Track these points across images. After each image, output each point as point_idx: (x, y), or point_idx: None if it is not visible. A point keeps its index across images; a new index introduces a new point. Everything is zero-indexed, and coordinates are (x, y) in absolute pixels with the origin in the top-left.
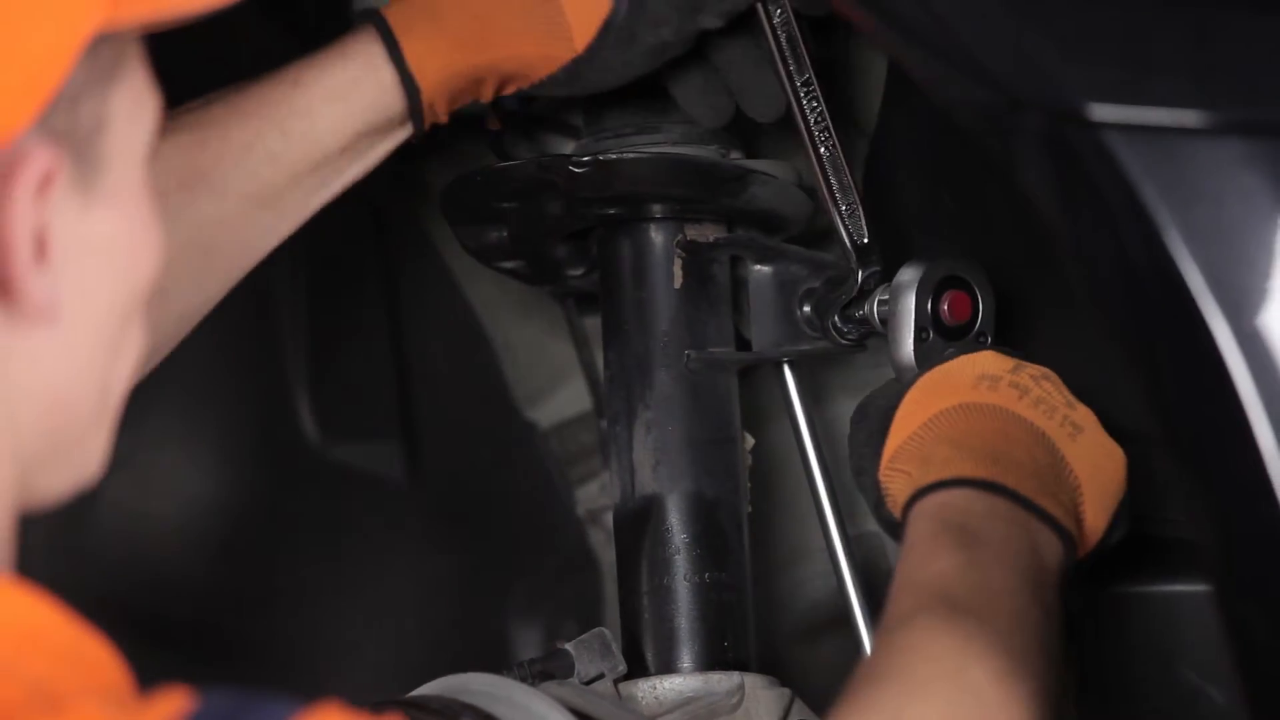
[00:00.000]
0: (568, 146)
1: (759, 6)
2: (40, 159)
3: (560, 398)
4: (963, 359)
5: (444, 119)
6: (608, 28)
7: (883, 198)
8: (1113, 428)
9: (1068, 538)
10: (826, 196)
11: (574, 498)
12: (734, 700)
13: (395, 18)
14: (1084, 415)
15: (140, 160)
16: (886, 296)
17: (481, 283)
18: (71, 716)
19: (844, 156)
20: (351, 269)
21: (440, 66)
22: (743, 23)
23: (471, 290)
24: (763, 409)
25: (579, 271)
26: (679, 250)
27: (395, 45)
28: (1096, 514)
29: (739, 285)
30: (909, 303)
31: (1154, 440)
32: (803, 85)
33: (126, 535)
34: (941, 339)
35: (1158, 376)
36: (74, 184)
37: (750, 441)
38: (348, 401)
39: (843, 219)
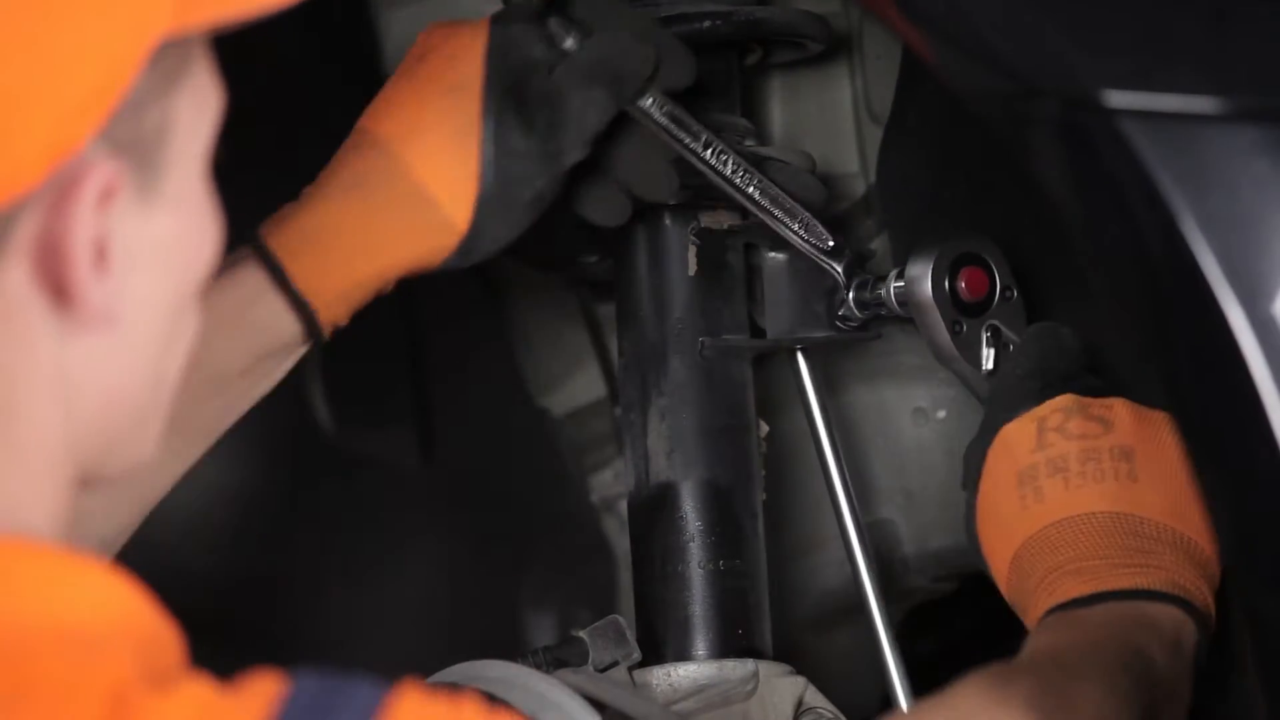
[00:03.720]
0: None
1: (631, 109)
2: (102, 172)
3: (574, 385)
4: (990, 462)
5: (345, 322)
6: (482, 203)
7: (896, 184)
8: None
9: (1204, 618)
10: (777, 226)
11: (588, 485)
12: (748, 688)
13: (277, 244)
14: (1120, 415)
15: (201, 160)
16: (901, 283)
17: (496, 270)
18: (183, 695)
19: (772, 180)
20: None
21: (332, 286)
22: (622, 122)
23: (485, 278)
24: (777, 396)
25: (593, 259)
26: (693, 237)
27: (281, 272)
28: (1207, 540)
29: (753, 272)
30: (927, 295)
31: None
32: (704, 148)
33: (141, 524)
34: (973, 319)
35: (1173, 364)
36: (135, 192)
37: (764, 429)
38: (362, 388)
39: (801, 237)
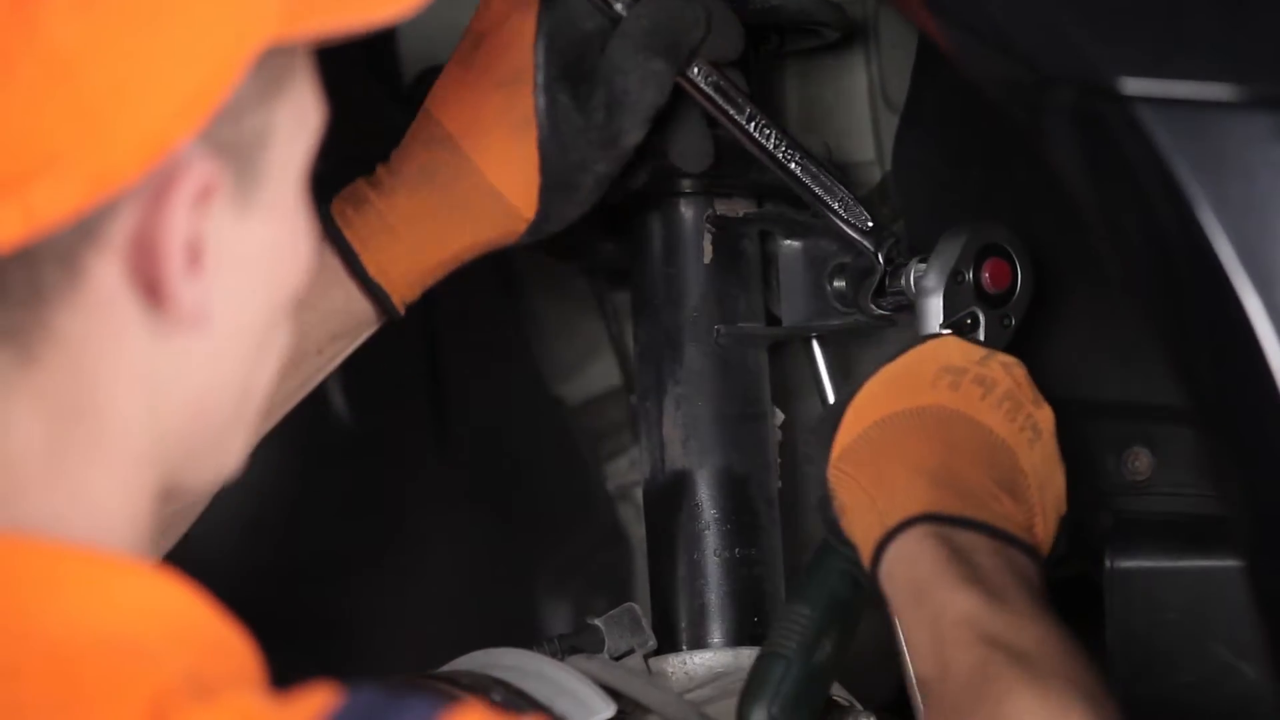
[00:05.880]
0: None
1: (680, 81)
2: (201, 171)
3: (590, 373)
4: (927, 348)
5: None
6: (545, 192)
7: (912, 172)
8: (1143, 404)
9: (1037, 554)
10: (817, 204)
11: (604, 473)
12: None
13: (350, 231)
14: (1045, 417)
15: (298, 172)
16: (921, 269)
17: (512, 259)
18: (226, 705)
19: (813, 158)
20: None
21: (404, 272)
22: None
23: (501, 266)
24: (792, 384)
25: (609, 247)
26: (709, 225)
27: (357, 261)
28: (1046, 529)
29: (769, 260)
30: (953, 251)
31: (1185, 415)
32: (748, 121)
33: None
34: (994, 310)
35: (1189, 352)
36: (233, 196)
37: (780, 417)
38: (377, 377)
39: (840, 217)
